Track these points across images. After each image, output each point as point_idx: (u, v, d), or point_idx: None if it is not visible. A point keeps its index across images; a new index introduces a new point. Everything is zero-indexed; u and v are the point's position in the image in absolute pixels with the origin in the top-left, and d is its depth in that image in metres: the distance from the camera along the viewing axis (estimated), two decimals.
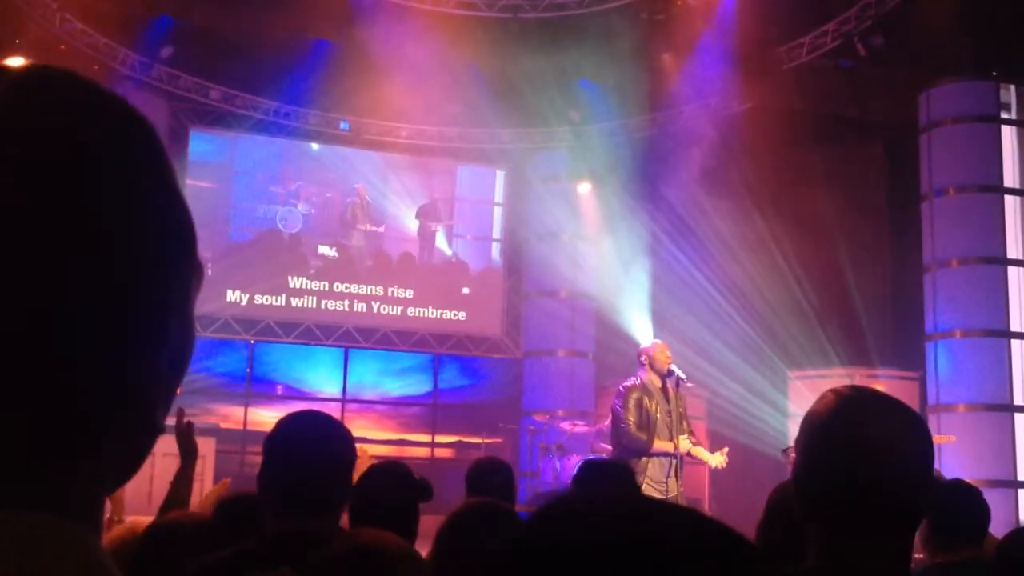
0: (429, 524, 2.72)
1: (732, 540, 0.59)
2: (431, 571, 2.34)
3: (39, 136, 0.60)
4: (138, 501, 7.95)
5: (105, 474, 0.63)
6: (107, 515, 4.58)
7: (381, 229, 14.20)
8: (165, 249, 0.64)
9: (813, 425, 1.58)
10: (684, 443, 6.93)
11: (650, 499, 0.62)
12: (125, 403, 0.62)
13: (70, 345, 0.59)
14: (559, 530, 0.58)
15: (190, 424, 3.63)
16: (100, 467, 0.62)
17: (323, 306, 13.77)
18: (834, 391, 1.61)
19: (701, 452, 7.17)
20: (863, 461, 1.51)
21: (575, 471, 4.14)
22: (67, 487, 0.60)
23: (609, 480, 3.84)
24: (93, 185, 0.61)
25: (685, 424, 7.04)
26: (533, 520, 0.60)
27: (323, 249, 13.95)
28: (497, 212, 15.07)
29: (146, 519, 2.90)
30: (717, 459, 7.10)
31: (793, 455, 1.65)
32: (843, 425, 1.55)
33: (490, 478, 4.04)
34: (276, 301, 13.55)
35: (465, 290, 14.51)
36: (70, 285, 0.59)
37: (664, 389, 6.92)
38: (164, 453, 3.75)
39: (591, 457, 9.03)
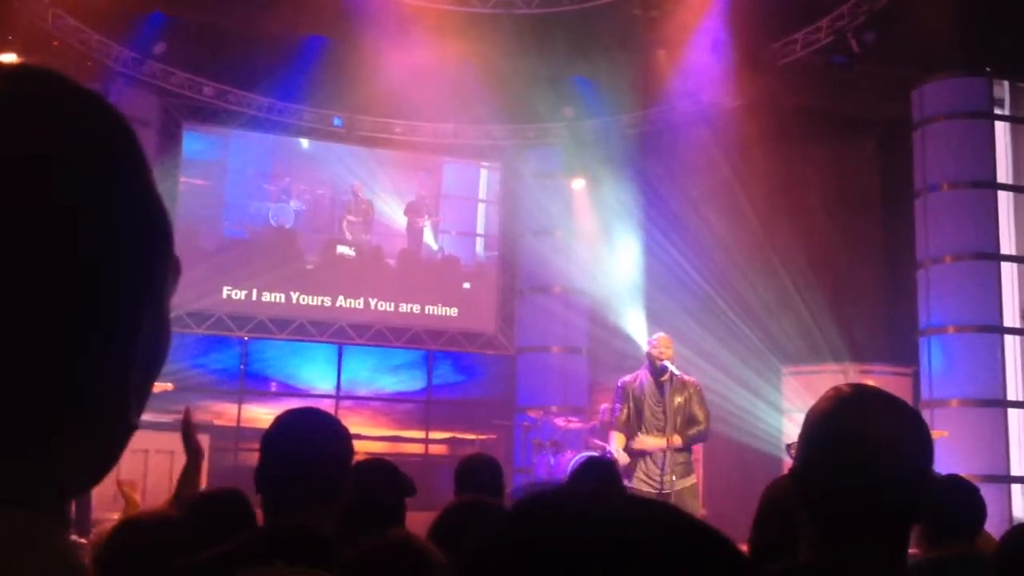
0: (421, 521, 2.72)
1: (708, 540, 0.58)
2: None
3: (4, 132, 0.60)
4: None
5: (74, 470, 0.63)
6: (117, 516, 4.58)
7: (370, 228, 14.21)
8: (133, 246, 0.63)
9: (813, 423, 1.59)
10: (676, 439, 6.92)
11: (629, 498, 0.62)
12: (90, 400, 0.61)
13: (27, 342, 0.58)
14: (536, 529, 0.58)
15: (189, 423, 3.63)
16: (70, 464, 0.62)
17: (317, 302, 13.76)
18: (836, 389, 1.61)
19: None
20: (862, 460, 1.51)
21: (572, 467, 4.17)
22: (28, 481, 0.60)
23: (598, 477, 3.88)
24: (57, 181, 0.60)
25: (680, 419, 6.96)
26: (510, 517, 0.60)
27: (342, 249, 13.97)
28: (481, 208, 15.09)
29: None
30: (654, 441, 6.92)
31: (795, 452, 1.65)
32: (843, 424, 1.55)
33: (479, 475, 4.08)
34: (270, 298, 13.54)
35: (466, 285, 14.55)
36: (29, 283, 0.59)
37: (660, 384, 6.92)
38: (156, 450, 3.76)
39: (593, 454, 9.06)
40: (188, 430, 3.58)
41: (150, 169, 0.66)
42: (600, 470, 4.08)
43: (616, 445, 6.98)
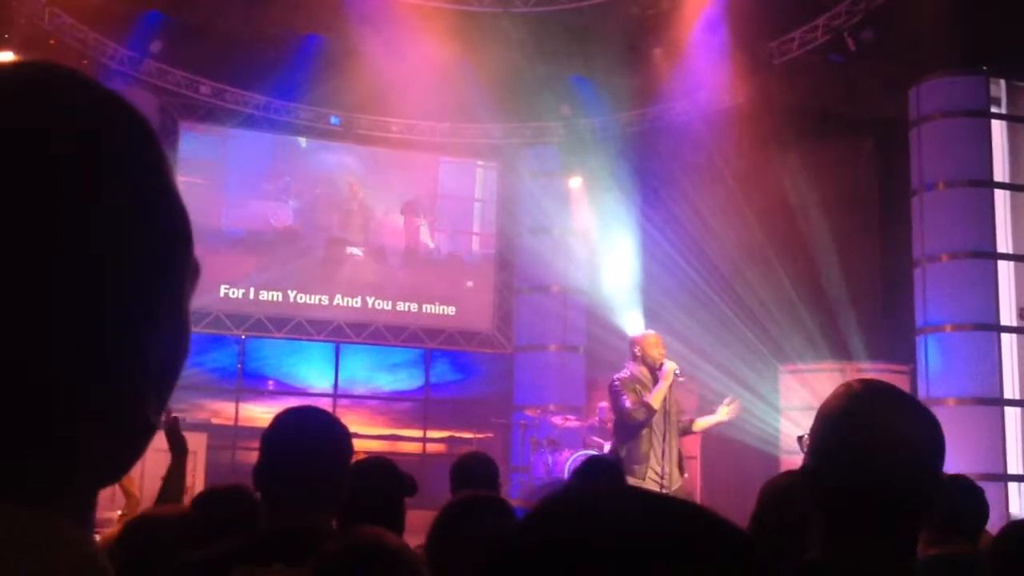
0: (419, 519, 2.72)
1: (731, 534, 0.59)
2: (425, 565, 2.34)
3: (22, 132, 0.60)
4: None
5: (94, 470, 0.63)
6: (119, 512, 4.58)
7: (367, 227, 14.21)
8: (152, 246, 0.63)
9: (824, 419, 1.59)
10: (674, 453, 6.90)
11: (649, 494, 0.63)
12: (110, 400, 0.61)
13: (46, 343, 0.58)
14: (561, 526, 0.58)
15: (176, 419, 3.64)
16: (86, 463, 0.62)
17: (315, 301, 13.76)
18: (847, 385, 1.61)
19: (706, 420, 7.23)
20: (871, 455, 1.51)
21: (574, 465, 4.17)
22: (49, 483, 0.60)
23: (604, 476, 3.86)
24: (76, 182, 0.60)
25: (675, 409, 6.97)
26: (533, 515, 0.60)
27: (351, 250, 13.98)
28: (478, 207, 15.09)
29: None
30: (723, 412, 7.14)
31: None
32: (853, 420, 1.55)
33: (475, 472, 4.05)
34: (267, 296, 13.53)
35: (469, 283, 14.56)
36: (48, 283, 0.58)
37: (656, 382, 6.91)
38: (155, 449, 3.77)
39: (590, 452, 9.04)
40: (173, 428, 3.59)
41: (170, 169, 0.66)
42: (606, 468, 4.07)
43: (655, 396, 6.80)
